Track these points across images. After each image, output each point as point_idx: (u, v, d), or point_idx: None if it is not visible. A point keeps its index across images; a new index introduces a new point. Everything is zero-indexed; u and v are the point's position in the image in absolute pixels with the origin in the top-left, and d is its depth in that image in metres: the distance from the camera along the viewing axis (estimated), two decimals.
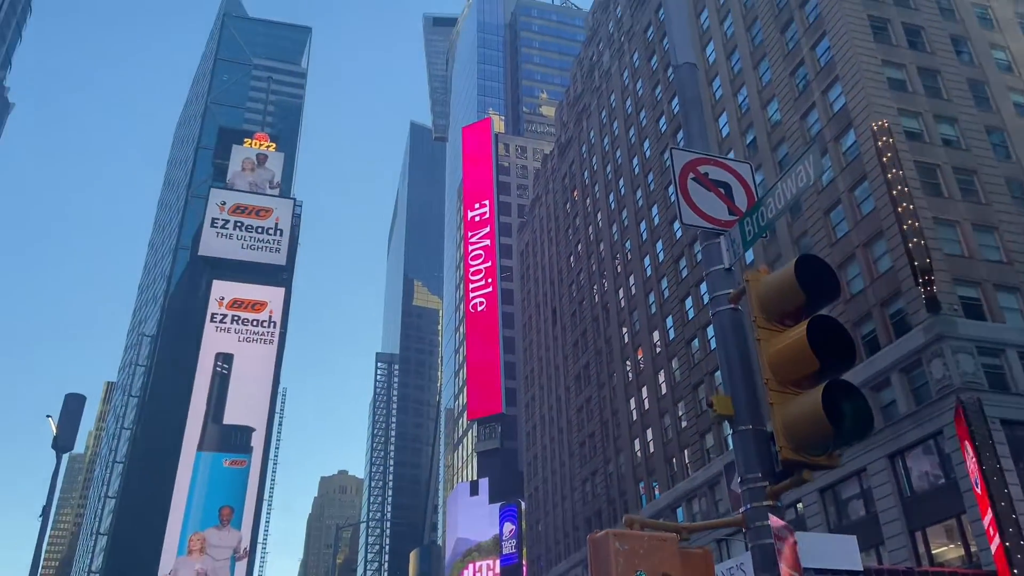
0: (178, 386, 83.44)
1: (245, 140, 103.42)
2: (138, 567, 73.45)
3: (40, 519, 28.54)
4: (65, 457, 28.69)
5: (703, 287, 47.24)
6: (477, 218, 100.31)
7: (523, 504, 76.44)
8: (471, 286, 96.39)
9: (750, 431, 7.06)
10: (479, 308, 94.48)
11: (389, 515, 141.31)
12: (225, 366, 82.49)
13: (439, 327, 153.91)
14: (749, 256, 41.00)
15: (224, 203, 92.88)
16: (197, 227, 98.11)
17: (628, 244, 60.51)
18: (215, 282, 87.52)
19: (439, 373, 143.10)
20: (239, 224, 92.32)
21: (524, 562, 73.51)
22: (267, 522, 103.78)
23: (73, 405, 27.07)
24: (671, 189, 48.10)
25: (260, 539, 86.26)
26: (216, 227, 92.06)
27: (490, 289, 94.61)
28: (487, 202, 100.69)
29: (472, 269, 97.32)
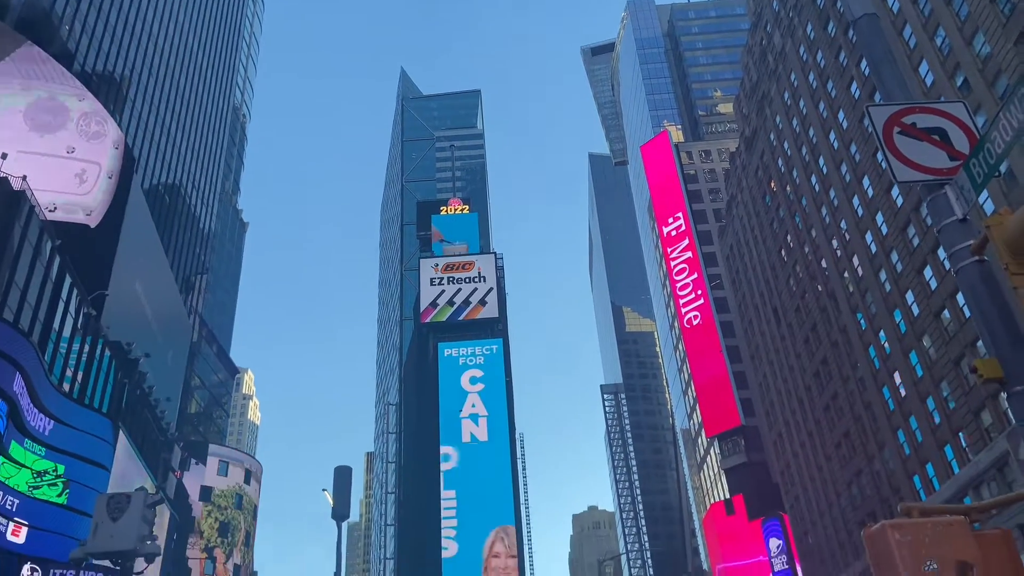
0: (427, 447, 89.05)
1: (441, 208, 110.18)
2: None
3: None
4: (344, 525, 31.54)
5: (941, 252, 42.73)
6: (673, 232, 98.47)
7: (786, 517, 72.21)
8: (681, 302, 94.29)
9: None
10: (694, 323, 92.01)
11: (647, 544, 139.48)
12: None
13: (657, 348, 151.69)
14: (988, 208, 36.66)
15: (437, 264, 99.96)
16: (415, 297, 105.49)
17: (843, 224, 56.35)
18: (441, 345, 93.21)
19: (667, 396, 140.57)
20: (452, 279, 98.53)
21: None
22: (531, 565, 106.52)
23: (342, 476, 29.70)
24: (880, 155, 44.79)
25: None
26: (431, 294, 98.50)
27: (702, 301, 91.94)
28: (680, 214, 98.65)
29: (679, 284, 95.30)
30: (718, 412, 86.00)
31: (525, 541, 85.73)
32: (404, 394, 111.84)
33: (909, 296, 47.34)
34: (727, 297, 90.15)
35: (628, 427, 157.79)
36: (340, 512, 30.05)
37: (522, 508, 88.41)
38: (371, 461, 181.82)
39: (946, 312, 43.37)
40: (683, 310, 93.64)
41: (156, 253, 55.87)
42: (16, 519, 28.70)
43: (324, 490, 30.93)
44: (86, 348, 37.82)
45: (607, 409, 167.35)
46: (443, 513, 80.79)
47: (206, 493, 74.48)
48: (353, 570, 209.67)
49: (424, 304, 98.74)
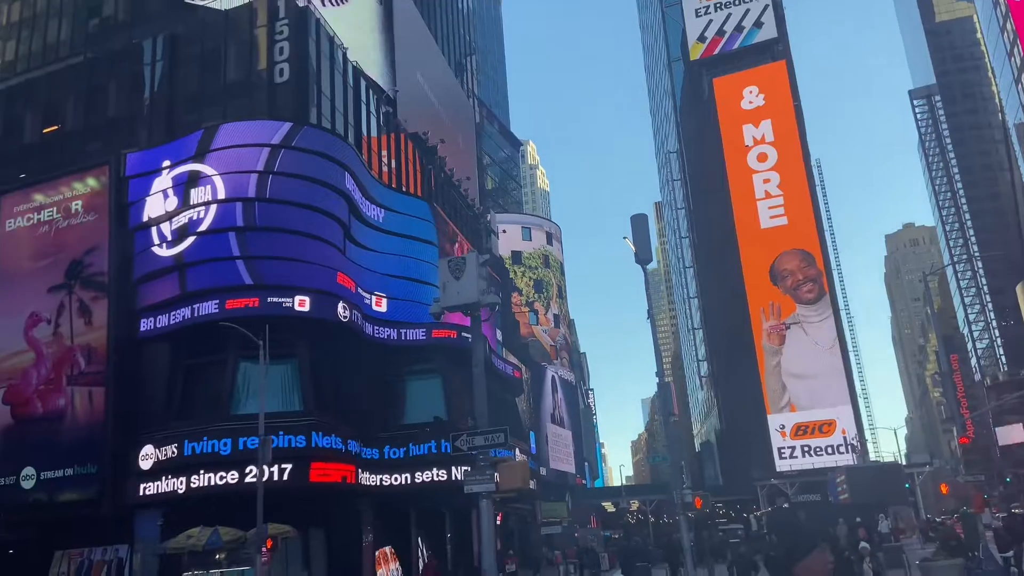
0: (714, 184, 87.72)
1: None
2: (739, 347, 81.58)
3: (648, 320, 33.79)
4: (646, 271, 33.02)
5: None
6: None
7: None
8: None
9: None
10: None
11: (976, 253, 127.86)
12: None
13: (978, 35, 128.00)
14: None
15: None
16: (681, 34, 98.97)
17: None
18: (716, 80, 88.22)
19: (993, 89, 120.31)
20: (719, 4, 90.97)
21: None
22: (842, 285, 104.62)
23: (639, 223, 30.63)
24: None
25: (842, 306, 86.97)
26: (698, 26, 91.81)
27: None
28: None
29: None
30: None
31: (833, 264, 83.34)
32: (683, 139, 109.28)
33: None
34: None
35: (946, 132, 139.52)
36: (643, 256, 31.20)
37: (826, 233, 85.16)
38: (660, 210, 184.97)
39: None
40: None
41: (427, 41, 58.18)
42: (376, 292, 34.36)
43: (625, 238, 32.28)
44: (392, 143, 41.84)
45: (918, 116, 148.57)
46: None
47: (517, 256, 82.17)
48: (660, 311, 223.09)
49: (691, 39, 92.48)
